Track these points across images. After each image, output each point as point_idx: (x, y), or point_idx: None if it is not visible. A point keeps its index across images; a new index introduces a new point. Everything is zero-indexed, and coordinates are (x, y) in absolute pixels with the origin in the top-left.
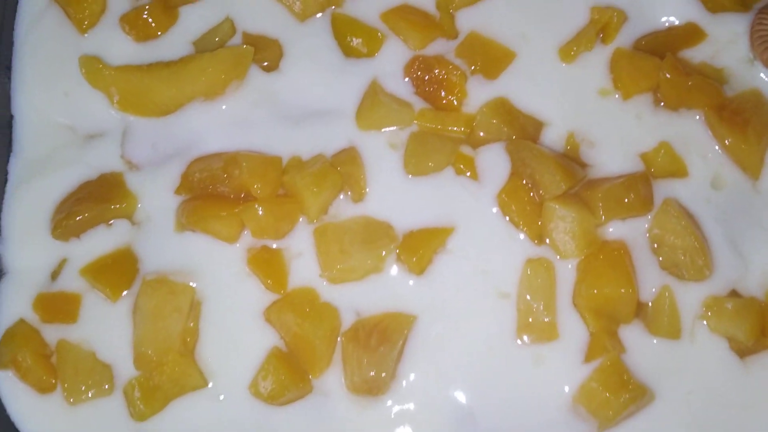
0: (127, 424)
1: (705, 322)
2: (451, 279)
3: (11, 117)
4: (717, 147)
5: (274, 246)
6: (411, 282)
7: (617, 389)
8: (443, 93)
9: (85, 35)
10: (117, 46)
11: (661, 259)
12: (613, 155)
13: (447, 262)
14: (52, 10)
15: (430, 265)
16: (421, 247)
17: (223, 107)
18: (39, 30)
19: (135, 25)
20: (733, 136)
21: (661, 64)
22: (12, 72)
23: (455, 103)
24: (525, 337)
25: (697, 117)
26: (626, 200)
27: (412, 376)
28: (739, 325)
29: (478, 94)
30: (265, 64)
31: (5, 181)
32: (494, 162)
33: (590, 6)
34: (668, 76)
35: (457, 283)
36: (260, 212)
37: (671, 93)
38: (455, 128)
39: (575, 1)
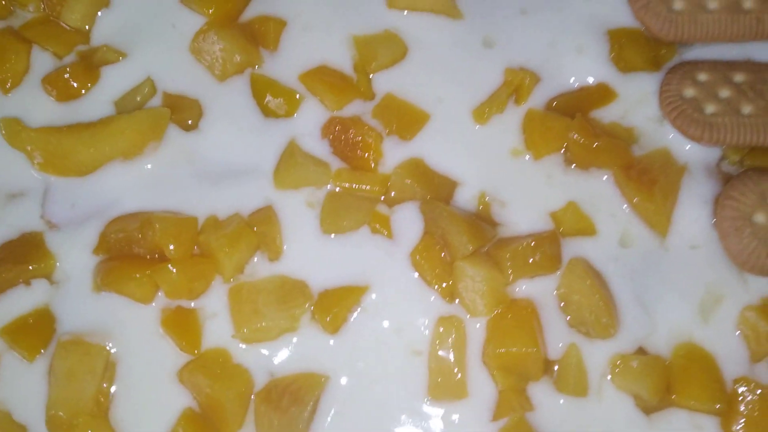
0: None
1: (611, 380)
2: (365, 337)
3: None
4: (625, 206)
5: (191, 305)
6: (325, 341)
7: None
8: (359, 153)
9: (8, 95)
10: (39, 106)
11: (568, 317)
12: (523, 214)
13: (361, 321)
14: None
15: (344, 323)
16: (335, 305)
17: (146, 167)
18: None
19: (57, 85)
20: (641, 195)
21: (571, 125)
22: None
23: (371, 163)
24: (436, 396)
25: (606, 177)
26: (533, 259)
27: None
28: (643, 383)
29: (394, 154)
30: (189, 122)
31: None
32: (408, 221)
33: (504, 68)
34: (577, 137)
35: (371, 341)
36: (173, 273)
37: (580, 153)
38: (371, 188)
39: (489, 63)
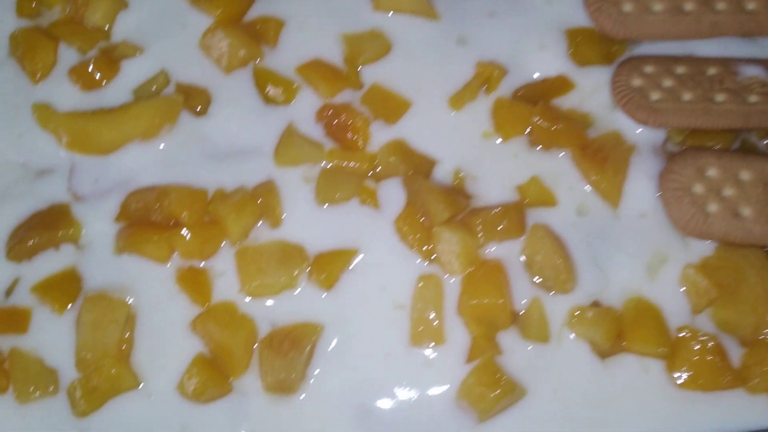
0: (69, 421)
1: (570, 329)
2: (355, 294)
3: None
4: (582, 181)
5: (201, 266)
6: (320, 297)
7: (491, 384)
8: (350, 135)
9: (38, 85)
10: (65, 95)
11: (532, 275)
12: (493, 188)
13: (352, 280)
14: (8, 64)
15: (337, 282)
16: (329, 266)
17: (158, 147)
18: None
19: (81, 77)
20: (595, 171)
21: (534, 111)
22: None
23: (360, 143)
24: (417, 343)
25: (564, 155)
26: (502, 225)
27: (319, 377)
28: (598, 330)
29: (380, 136)
30: (198, 109)
31: None
32: (393, 194)
33: (475, 62)
34: (539, 121)
35: (360, 297)
36: (187, 237)
37: (542, 135)
38: (360, 165)
39: (462, 58)
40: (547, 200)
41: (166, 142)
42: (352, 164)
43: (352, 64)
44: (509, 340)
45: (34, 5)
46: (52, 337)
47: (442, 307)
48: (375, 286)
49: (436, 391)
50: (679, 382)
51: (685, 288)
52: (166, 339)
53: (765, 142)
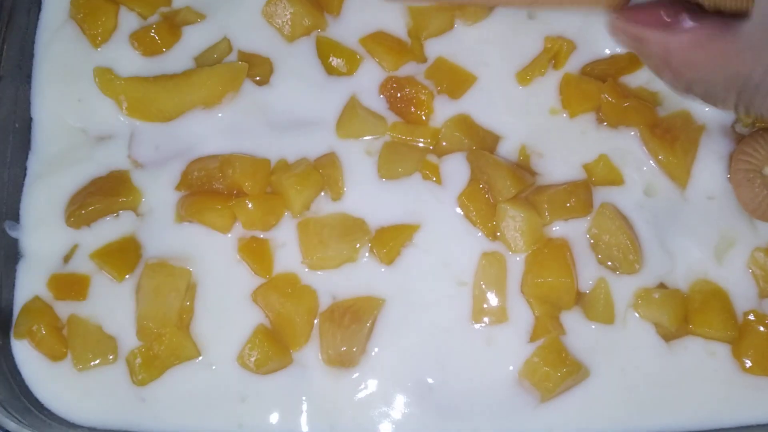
0: (128, 389)
1: (635, 310)
2: (416, 269)
3: (30, 120)
4: (650, 160)
5: (262, 236)
6: (381, 271)
7: (556, 364)
8: (413, 109)
9: (98, 49)
10: (126, 60)
11: (598, 255)
12: (559, 165)
13: (413, 255)
14: (69, 26)
15: (398, 256)
16: (390, 240)
17: (220, 115)
18: (57, 43)
19: (143, 42)
20: (664, 151)
21: (603, 88)
22: (32, 80)
23: (423, 118)
24: (479, 320)
25: (633, 134)
26: (568, 204)
27: (379, 352)
28: (664, 313)
29: (444, 110)
30: (258, 78)
31: (24, 175)
32: (456, 169)
33: (544, 36)
34: (609, 98)
35: (421, 272)
36: (250, 207)
37: (611, 113)
38: (423, 139)
39: (530, 31)
40: (615, 179)
41: (228, 111)
42: (415, 139)
43: (416, 37)
44: (573, 320)
45: None
46: (112, 305)
47: (505, 285)
48: (437, 262)
49: (497, 369)
50: (746, 366)
51: (752, 271)
52: (227, 309)
53: None
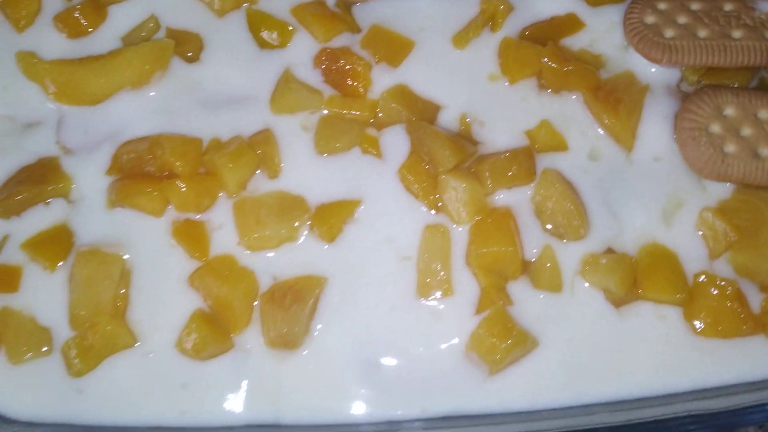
0: (64, 381)
1: (583, 277)
2: (359, 245)
3: None
4: (595, 124)
5: (198, 218)
6: (323, 249)
7: (502, 335)
8: (350, 81)
9: (22, 33)
10: (51, 43)
11: (543, 222)
12: (501, 133)
13: (355, 231)
14: None
15: (340, 233)
16: (331, 217)
17: (150, 95)
18: None
19: (67, 24)
20: (608, 114)
21: (543, 52)
22: None
23: (360, 90)
24: (425, 295)
25: (576, 98)
26: (510, 172)
27: (323, 332)
28: (612, 278)
29: (382, 81)
30: (189, 55)
31: None
32: (396, 142)
33: None
34: (549, 62)
35: (364, 248)
36: (182, 188)
37: (552, 77)
38: (360, 112)
39: None
40: (558, 145)
41: (158, 91)
42: (352, 112)
43: (343, 5)
44: (520, 290)
45: None
46: (45, 296)
47: (449, 258)
48: (379, 237)
49: (444, 343)
50: (697, 329)
51: (702, 232)
52: (163, 295)
53: None
